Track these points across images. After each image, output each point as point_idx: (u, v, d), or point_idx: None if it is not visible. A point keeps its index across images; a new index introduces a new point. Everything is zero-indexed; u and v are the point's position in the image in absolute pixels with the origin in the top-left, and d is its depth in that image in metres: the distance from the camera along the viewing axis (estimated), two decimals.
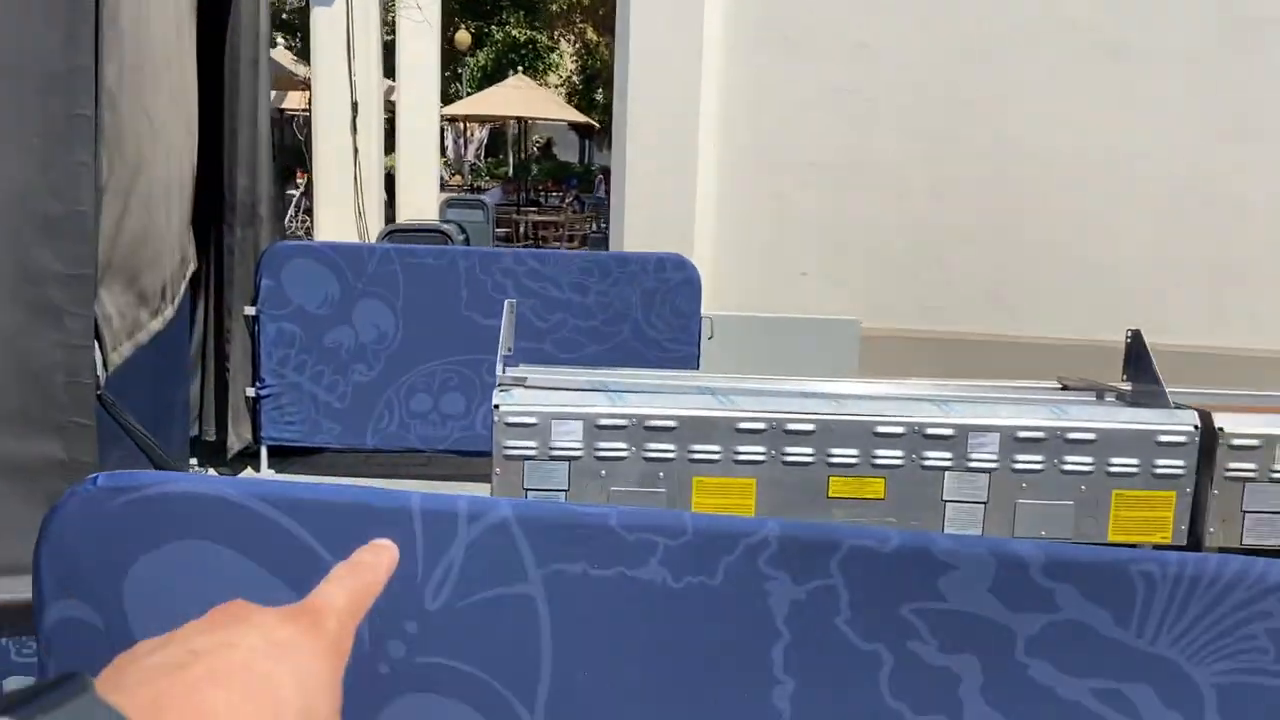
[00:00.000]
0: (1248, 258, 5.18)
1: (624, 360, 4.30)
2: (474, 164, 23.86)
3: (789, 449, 2.25)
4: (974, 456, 2.29)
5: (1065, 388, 2.87)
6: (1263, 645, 1.13)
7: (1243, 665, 1.12)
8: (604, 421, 2.18)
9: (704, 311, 4.99)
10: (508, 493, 2.18)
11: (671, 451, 2.23)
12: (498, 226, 13.64)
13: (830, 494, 2.28)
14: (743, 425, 2.24)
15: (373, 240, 6.64)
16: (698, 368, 4.37)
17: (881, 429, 2.27)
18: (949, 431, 2.28)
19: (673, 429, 2.23)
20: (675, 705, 1.11)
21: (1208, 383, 5.18)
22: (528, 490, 2.18)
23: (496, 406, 2.17)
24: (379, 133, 7.27)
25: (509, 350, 2.45)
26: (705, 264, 5.37)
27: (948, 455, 2.29)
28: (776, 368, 5.31)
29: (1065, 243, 5.30)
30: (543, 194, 18.45)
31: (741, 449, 2.24)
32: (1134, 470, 2.30)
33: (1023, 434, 2.29)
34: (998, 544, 1.17)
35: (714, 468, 2.25)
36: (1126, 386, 2.60)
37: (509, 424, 2.16)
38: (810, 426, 2.26)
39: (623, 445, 2.20)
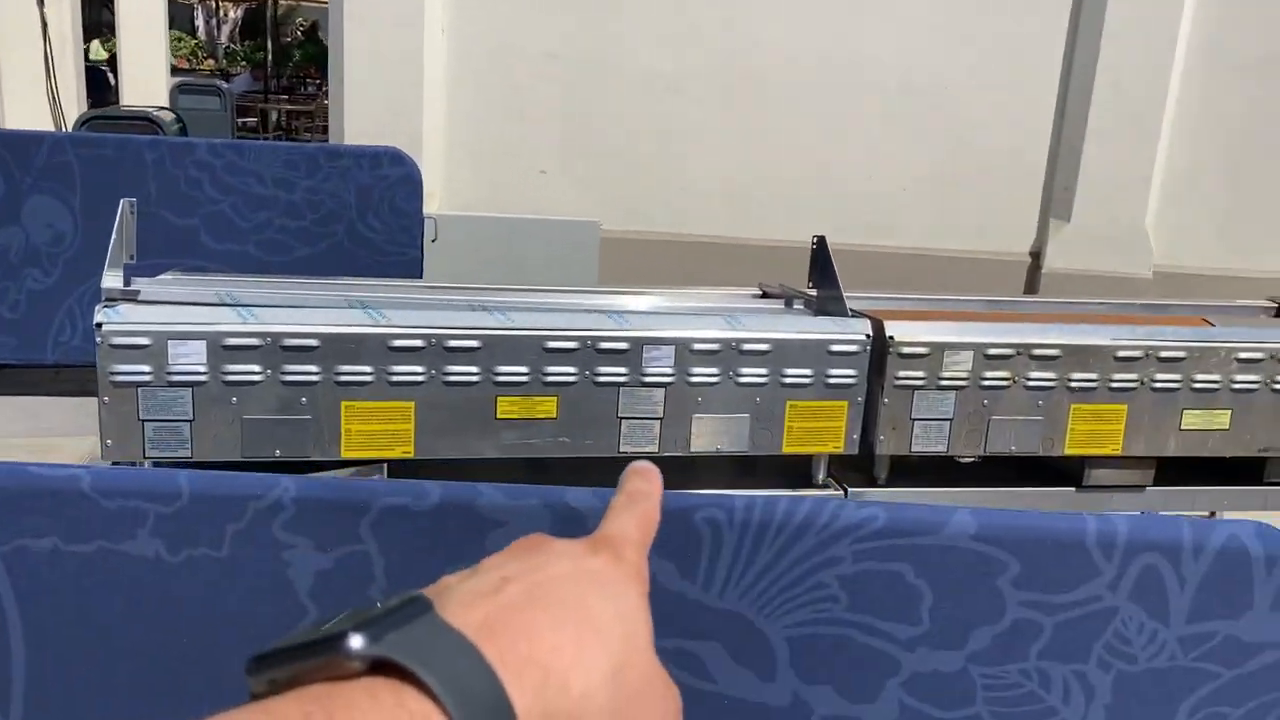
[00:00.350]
0: (975, 165, 5.35)
1: (339, 264, 3.99)
2: (228, 47, 22.04)
3: (451, 367, 2.08)
4: (649, 371, 2.18)
5: (765, 294, 2.82)
6: (834, 593, 1.05)
7: (815, 616, 1.04)
8: (232, 341, 1.93)
9: (430, 211, 4.70)
10: (121, 427, 1.91)
11: (315, 374, 2.01)
12: (245, 116, 12.65)
13: (499, 415, 2.12)
14: (397, 343, 2.04)
15: (70, 130, 5.91)
16: (420, 272, 4.11)
17: (553, 344, 2.13)
18: (623, 345, 2.16)
19: (314, 348, 2.00)
20: (183, 702, 0.92)
21: (933, 287, 5.36)
22: (144, 421, 1.91)
23: (99, 325, 1.88)
24: (74, 2, 6.43)
25: (130, 258, 2.14)
26: (436, 161, 5.07)
27: (622, 370, 2.17)
28: (510, 272, 5.13)
29: (805, 146, 5.31)
30: (303, 81, 17.22)
31: (396, 369, 2.05)
32: (807, 380, 2.27)
33: (698, 346, 2.20)
34: (550, 494, 1.03)
35: (365, 390, 2.04)
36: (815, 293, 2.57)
37: (115, 345, 1.87)
38: (475, 343, 2.09)
39: (256, 368, 1.96)
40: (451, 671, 0.38)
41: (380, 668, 0.38)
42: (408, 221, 4.08)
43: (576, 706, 0.41)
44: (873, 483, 2.43)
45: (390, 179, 4.02)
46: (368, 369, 2.04)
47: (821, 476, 2.41)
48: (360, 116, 4.93)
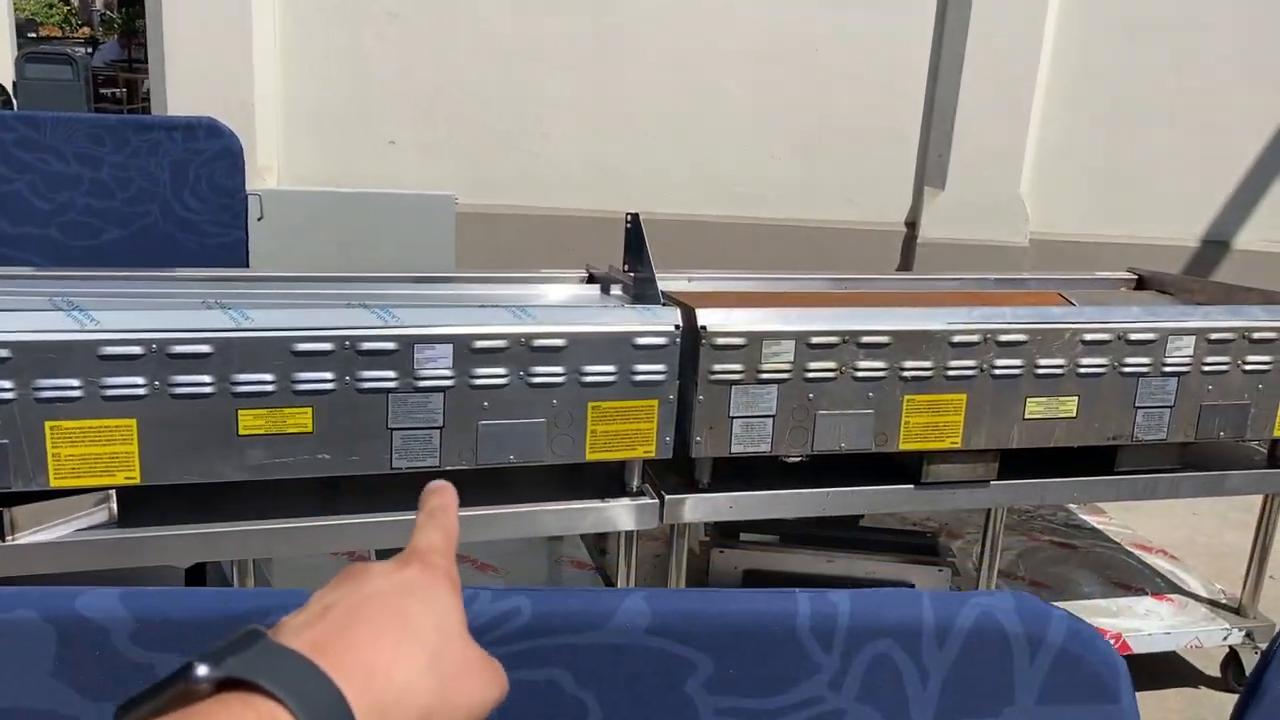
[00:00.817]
0: (847, 132, 5.15)
1: (155, 247, 3.60)
2: (104, 14, 20.91)
3: (177, 377, 1.77)
4: (423, 373, 1.90)
5: (590, 278, 2.56)
6: None
7: None
8: None
9: (263, 187, 4.32)
10: None
11: (8, 389, 1.68)
12: (108, 86, 11.92)
13: (241, 431, 1.82)
14: (108, 350, 1.73)
15: None
16: (246, 256, 3.74)
17: (303, 346, 1.83)
18: (390, 345, 1.88)
19: (6, 359, 1.68)
20: None
21: (804, 260, 5.17)
22: None
23: None
24: None
25: None
26: (272, 132, 4.68)
27: (390, 374, 1.89)
28: (354, 254, 4.78)
29: (669, 113, 5.05)
30: None
31: (110, 380, 1.73)
32: (610, 379, 2.01)
33: (480, 344, 1.93)
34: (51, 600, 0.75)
35: (73, 407, 1.72)
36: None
37: None
38: (205, 348, 1.78)
39: None
40: (290, 678, 0.46)
41: (227, 687, 0.46)
42: (229, 200, 3.69)
43: (401, 692, 0.50)
44: (694, 487, 2.20)
45: (207, 153, 3.63)
46: (74, 382, 1.72)
47: (636, 483, 2.16)
48: (184, 85, 4.51)
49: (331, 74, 4.79)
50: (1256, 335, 2.35)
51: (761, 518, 2.24)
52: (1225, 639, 2.60)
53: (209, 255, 3.56)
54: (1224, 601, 2.71)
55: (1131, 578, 2.80)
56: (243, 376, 1.80)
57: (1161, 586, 2.77)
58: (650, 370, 2.03)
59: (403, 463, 1.95)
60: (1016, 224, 5.21)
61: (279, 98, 4.72)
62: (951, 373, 2.20)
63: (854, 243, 5.19)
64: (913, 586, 2.57)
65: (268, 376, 1.82)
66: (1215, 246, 5.38)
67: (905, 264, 5.19)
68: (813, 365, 2.12)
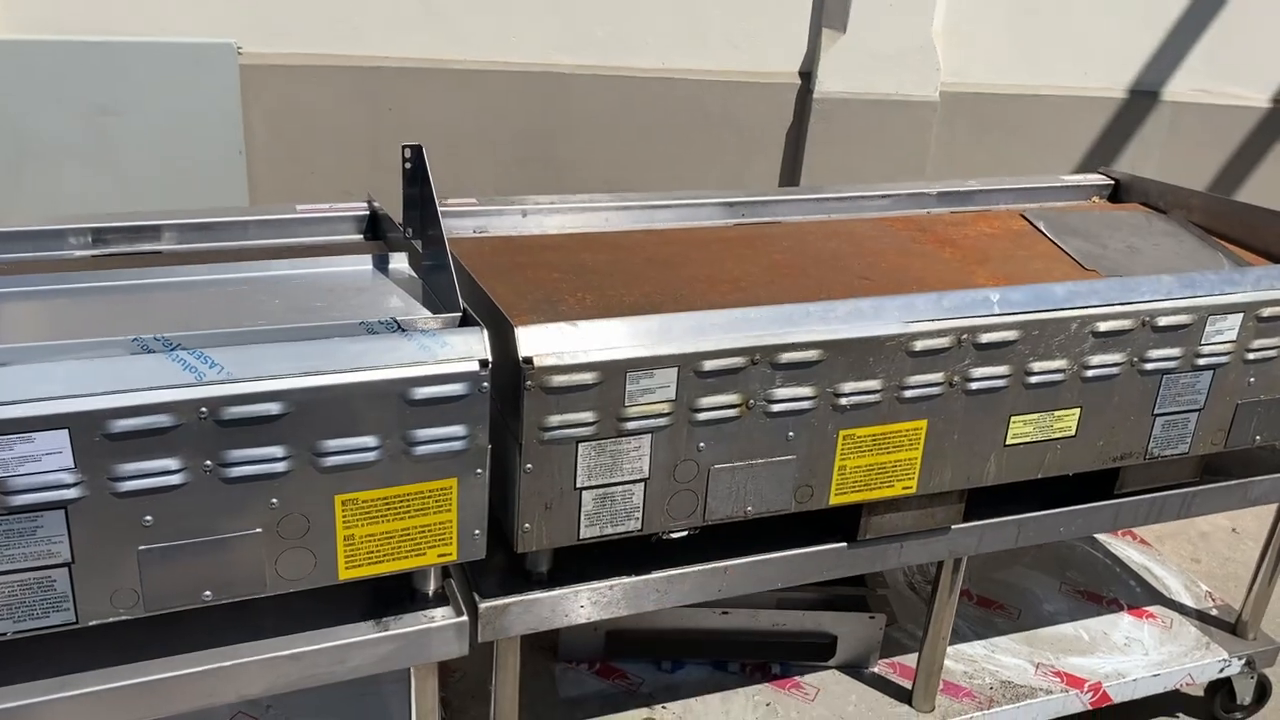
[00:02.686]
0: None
1: None
2: None
3: None
4: (17, 480, 1.06)
5: (373, 224, 1.70)
6: None
7: None
8: None
9: None
10: None
11: None
12: None
13: None
14: None
15: None
16: None
17: None
18: None
19: None
20: None
21: (680, 124, 4.29)
22: None
23: None
24: None
25: None
26: None
27: None
28: (107, 127, 3.70)
29: None
30: None
31: None
32: (370, 455, 1.20)
33: (121, 426, 1.08)
34: None
35: None
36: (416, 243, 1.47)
37: None
38: None
39: None
40: None
41: None
42: None
43: None
44: (529, 582, 1.44)
45: None
46: None
47: (432, 588, 1.38)
48: None
49: None
50: None
51: (629, 613, 1.51)
52: (1223, 671, 2.05)
53: None
54: (1215, 614, 2.15)
55: (1100, 582, 2.21)
56: None
57: (1138, 594, 2.18)
58: (440, 437, 1.23)
59: (6, 625, 1.13)
60: (927, 74, 4.41)
61: None
62: (909, 392, 1.46)
63: (740, 99, 4.32)
64: (833, 640, 1.90)
65: None
66: (1144, 98, 4.72)
67: (799, 124, 4.37)
68: (704, 402, 1.35)
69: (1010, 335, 1.48)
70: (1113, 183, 2.33)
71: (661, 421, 1.34)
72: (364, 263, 1.51)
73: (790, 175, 4.46)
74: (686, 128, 4.30)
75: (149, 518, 1.14)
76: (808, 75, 4.36)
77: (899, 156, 4.41)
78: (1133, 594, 2.18)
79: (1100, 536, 2.35)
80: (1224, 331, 1.61)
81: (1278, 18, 4.70)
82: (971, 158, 4.53)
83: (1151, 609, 2.14)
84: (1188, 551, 2.70)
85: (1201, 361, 1.62)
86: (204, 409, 1.11)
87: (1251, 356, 1.66)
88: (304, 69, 3.94)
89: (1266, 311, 1.63)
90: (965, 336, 1.45)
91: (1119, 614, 2.12)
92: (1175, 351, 1.59)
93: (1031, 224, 2.08)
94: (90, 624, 1.16)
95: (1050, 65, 4.62)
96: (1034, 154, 4.57)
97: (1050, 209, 2.21)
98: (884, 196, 2.17)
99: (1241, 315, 1.61)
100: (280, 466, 1.17)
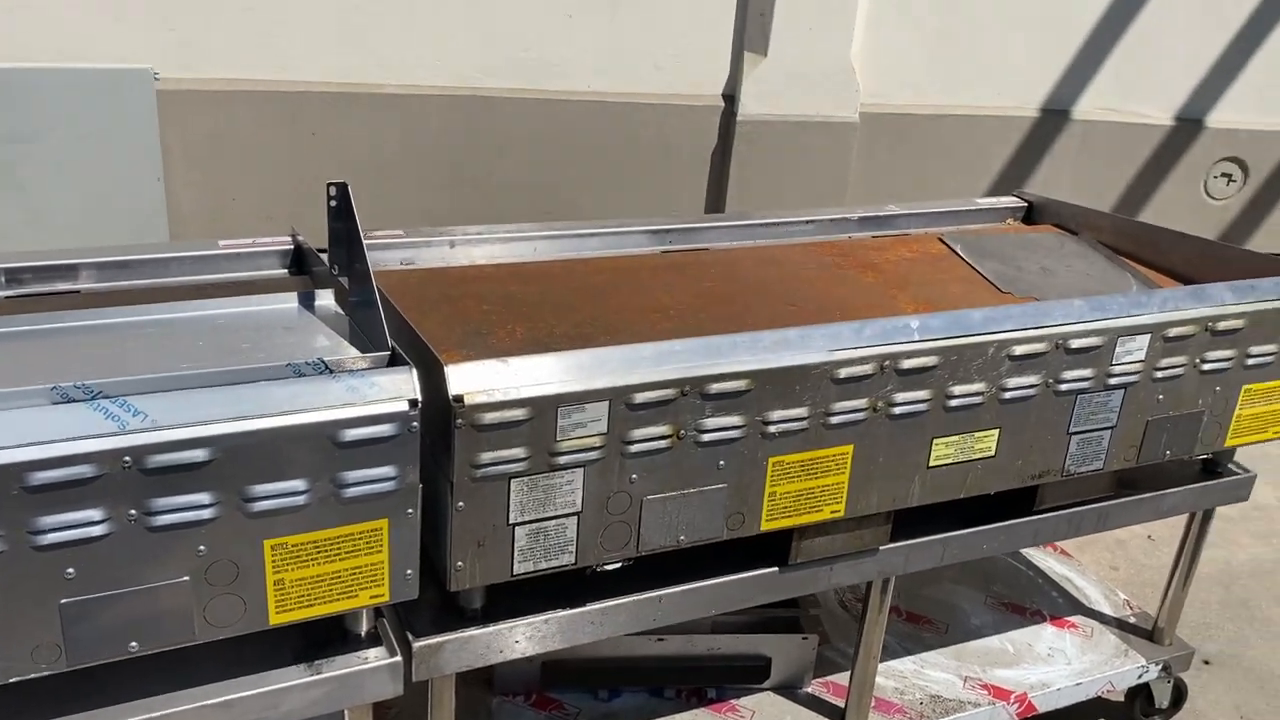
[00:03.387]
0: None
1: None
2: None
3: None
4: None
5: (297, 251, 1.68)
6: None
7: None
8: None
9: None
10: None
11: None
12: None
13: None
14: None
15: None
16: None
17: None
18: None
19: None
20: None
21: (600, 147, 4.34)
22: None
23: None
24: None
25: None
26: None
27: None
28: (18, 156, 3.61)
29: None
30: None
31: None
32: (299, 499, 1.19)
33: (40, 479, 1.06)
34: None
35: None
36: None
37: None
38: None
39: None
40: None
41: None
42: None
43: None
44: (463, 619, 1.43)
45: None
46: None
47: (365, 629, 1.37)
48: None
49: None
50: (1222, 326, 1.74)
51: (565, 646, 1.52)
52: (1141, 677, 2.11)
53: None
54: (1133, 622, 2.22)
55: (1024, 595, 2.27)
56: None
57: (1060, 605, 2.25)
58: (371, 478, 1.22)
59: None
60: (847, 96, 4.51)
61: None
62: (835, 419, 1.49)
63: (665, 122, 4.36)
64: (768, 662, 1.93)
65: None
66: (1055, 116, 4.87)
67: (724, 145, 4.43)
68: (636, 434, 1.36)
69: (930, 361, 1.52)
70: (1026, 205, 2.41)
71: (594, 455, 1.35)
72: (290, 300, 1.49)
73: (716, 195, 4.52)
74: (614, 149, 4.33)
75: (71, 570, 1.11)
76: (731, 98, 4.42)
77: (821, 176, 4.49)
78: (1055, 605, 2.24)
79: (1023, 549, 2.41)
80: (1133, 352, 1.68)
81: (1179, 37, 4.90)
82: (892, 176, 4.64)
83: (1073, 619, 2.21)
84: (1106, 560, 2.79)
85: (1113, 381, 1.68)
86: (128, 458, 1.09)
87: (1160, 375, 1.72)
88: (224, 94, 3.89)
89: (1173, 332, 1.70)
90: (887, 363, 1.49)
91: (1042, 625, 2.18)
92: (1088, 372, 1.65)
93: (949, 247, 2.13)
94: (10, 680, 1.13)
95: (965, 86, 4.75)
96: (952, 171, 4.69)
97: (967, 231, 2.27)
98: (808, 222, 2.21)
99: (1149, 336, 1.68)
100: (207, 514, 1.15)
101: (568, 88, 4.30)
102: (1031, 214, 2.41)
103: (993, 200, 2.43)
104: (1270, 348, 1.82)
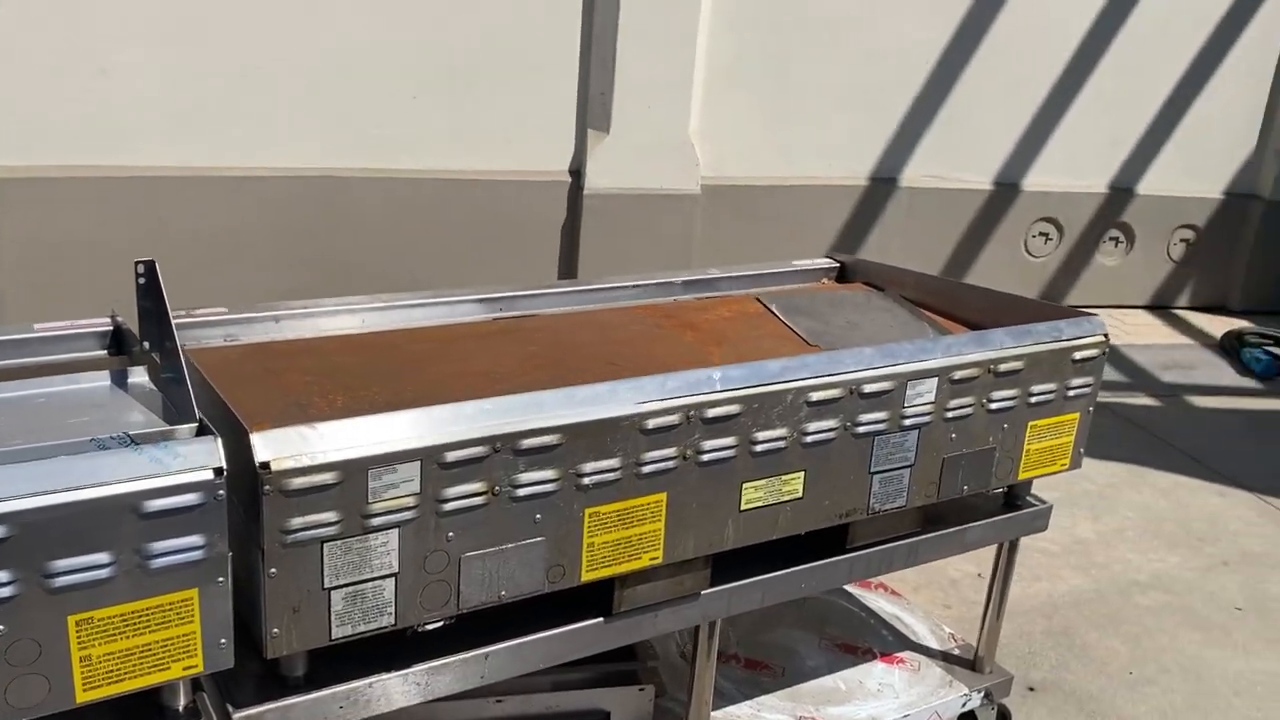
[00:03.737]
0: (499, 68, 4.38)
1: None
2: None
3: None
4: None
5: (116, 337, 1.68)
6: None
7: None
8: None
9: None
10: None
11: None
12: None
13: None
14: None
15: None
16: None
17: None
18: None
19: None
20: None
21: (456, 222, 4.35)
22: None
23: None
24: None
25: None
26: None
27: None
28: None
29: (279, 41, 4.03)
30: None
31: None
32: (103, 573, 1.20)
33: None
34: None
35: None
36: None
37: None
38: None
39: None
40: None
41: None
42: None
43: None
44: (285, 687, 1.44)
45: None
46: None
47: (183, 703, 1.37)
48: None
49: None
50: (1003, 367, 1.90)
51: (393, 709, 1.54)
52: (965, 705, 2.23)
53: None
54: (957, 653, 2.35)
55: (855, 634, 2.37)
56: None
57: (890, 642, 2.36)
58: (178, 548, 1.24)
59: None
60: (687, 168, 4.71)
61: None
62: (647, 468, 1.57)
63: (515, 197, 4.47)
64: (607, 716, 1.97)
65: None
66: (884, 184, 5.18)
67: (573, 219, 4.56)
68: (450, 492, 1.41)
69: (733, 409, 1.62)
70: (839, 265, 2.58)
71: (408, 515, 1.39)
72: (102, 379, 1.50)
73: (568, 268, 4.63)
74: (466, 225, 4.41)
75: None
76: (578, 173, 4.57)
77: (667, 245, 4.66)
78: (885, 642, 2.35)
79: (855, 590, 2.53)
80: (923, 394, 1.82)
81: (994, 107, 5.28)
82: (734, 244, 4.84)
83: (901, 654, 2.32)
84: (940, 599, 2.93)
85: (907, 422, 1.82)
86: None
87: (950, 415, 1.87)
88: (60, 181, 3.82)
89: (958, 375, 1.84)
90: (693, 413, 1.58)
91: (872, 662, 2.28)
92: (882, 415, 1.78)
93: (765, 306, 2.27)
94: None
95: (799, 158, 5.01)
96: (790, 238, 4.92)
97: (784, 291, 2.42)
98: (635, 286, 2.31)
99: (936, 379, 1.82)
100: (6, 592, 1.15)
101: (418, 166, 4.37)
102: (844, 273, 2.57)
103: (809, 261, 2.58)
104: (1049, 386, 1.99)
